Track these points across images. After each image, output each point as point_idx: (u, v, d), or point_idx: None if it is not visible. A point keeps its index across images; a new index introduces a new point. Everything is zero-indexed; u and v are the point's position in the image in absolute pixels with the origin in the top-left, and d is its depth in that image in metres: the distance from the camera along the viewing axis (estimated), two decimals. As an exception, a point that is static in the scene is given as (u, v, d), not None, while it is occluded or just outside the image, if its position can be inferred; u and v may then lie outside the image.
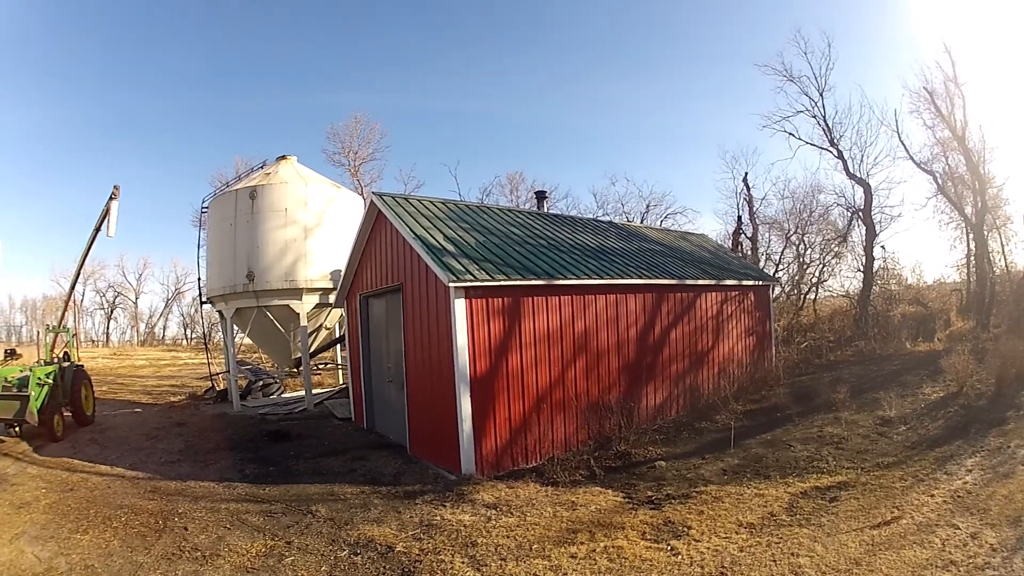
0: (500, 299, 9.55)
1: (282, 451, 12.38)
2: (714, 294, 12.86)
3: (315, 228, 17.33)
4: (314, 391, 18.41)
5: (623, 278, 11.21)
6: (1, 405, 13.97)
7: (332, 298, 16.84)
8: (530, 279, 9.89)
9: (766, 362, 13.76)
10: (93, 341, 74.09)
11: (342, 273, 14.34)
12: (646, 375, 11.46)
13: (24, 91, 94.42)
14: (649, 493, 7.72)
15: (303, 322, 17.26)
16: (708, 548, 5.83)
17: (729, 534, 6.07)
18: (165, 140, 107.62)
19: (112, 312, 78.78)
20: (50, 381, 15.05)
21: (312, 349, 19.09)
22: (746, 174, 29.69)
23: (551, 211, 18.71)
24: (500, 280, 9.48)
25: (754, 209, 28.97)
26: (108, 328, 78.67)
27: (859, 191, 23.64)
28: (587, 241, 13.10)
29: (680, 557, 5.71)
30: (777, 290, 24.16)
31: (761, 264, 26.37)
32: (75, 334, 20.72)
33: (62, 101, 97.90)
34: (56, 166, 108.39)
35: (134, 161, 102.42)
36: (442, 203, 12.24)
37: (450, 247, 10.07)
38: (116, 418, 18.06)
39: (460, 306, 9.06)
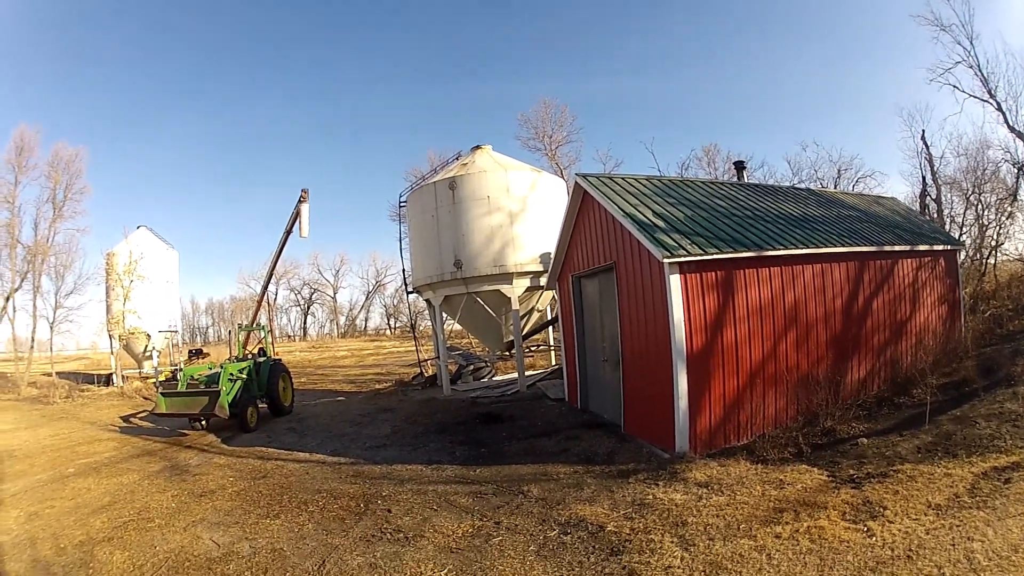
0: (712, 273, 9.47)
1: (494, 433, 12.58)
2: (909, 260, 11.99)
3: (520, 213, 17.73)
4: (526, 373, 18.81)
5: (828, 246, 10.69)
6: (187, 401, 15.11)
7: (543, 281, 17.27)
8: (740, 251, 9.69)
9: (956, 332, 12.65)
10: (289, 336, 79.93)
11: (551, 256, 14.66)
12: (851, 348, 10.91)
13: (209, 96, 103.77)
14: (851, 471, 7.44)
15: (514, 306, 17.72)
16: (899, 530, 5.63)
17: (919, 515, 5.82)
18: (353, 142, 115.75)
19: (309, 308, 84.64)
20: (243, 376, 16.16)
21: (524, 332, 19.56)
22: (923, 132, 27.15)
23: (749, 181, 18.08)
24: (712, 254, 9.39)
25: (935, 169, 26.34)
26: (305, 323, 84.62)
27: (1020, 145, 21.50)
28: (789, 210, 12.57)
29: (874, 539, 5.55)
30: (961, 255, 22.03)
31: (947, 227, 23.83)
32: (270, 330, 22.55)
33: (252, 108, 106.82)
34: (244, 172, 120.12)
35: (325, 164, 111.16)
36: (646, 179, 12.26)
37: (660, 223, 10.10)
38: (316, 407, 19.08)
39: (675, 282, 9.10)
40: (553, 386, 16.62)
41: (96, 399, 23.08)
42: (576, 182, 12.17)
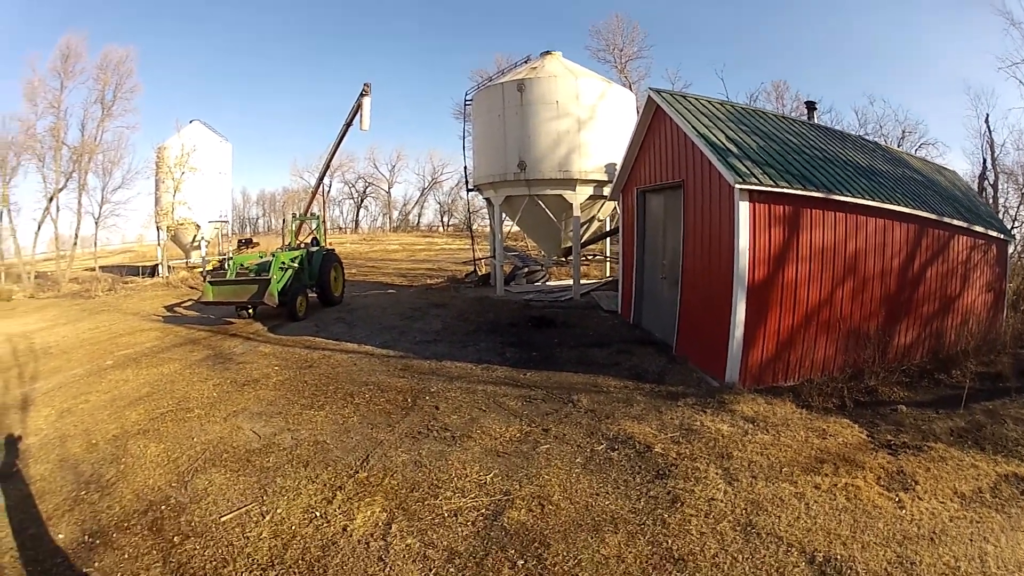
0: (781, 207, 9.16)
1: (545, 338, 12.50)
2: (965, 238, 11.48)
3: (588, 121, 17.48)
4: (581, 282, 18.96)
5: (892, 203, 10.28)
6: (235, 290, 15.05)
7: (606, 191, 17.14)
8: (810, 190, 9.34)
9: (998, 323, 12.26)
10: (341, 228, 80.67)
11: (617, 167, 14.43)
12: (901, 311, 10.63)
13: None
14: (888, 437, 7.30)
15: (575, 212, 17.72)
16: (927, 509, 5.52)
17: (945, 500, 5.69)
18: (418, 39, 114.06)
19: (362, 201, 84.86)
20: (295, 265, 16.15)
21: (582, 240, 19.57)
22: (987, 115, 26.26)
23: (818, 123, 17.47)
24: (783, 187, 9.06)
25: (995, 155, 25.56)
26: (357, 216, 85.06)
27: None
28: (857, 159, 11.97)
29: (904, 511, 5.46)
30: (1011, 247, 21.28)
31: (1000, 216, 23.20)
32: (322, 221, 22.56)
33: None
34: (302, 65, 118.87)
35: (385, 60, 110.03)
36: (719, 103, 11.77)
37: (733, 148, 9.74)
38: (367, 299, 19.13)
39: (744, 209, 8.84)
40: (607, 297, 16.71)
41: (140, 290, 23.30)
42: (649, 96, 11.90)
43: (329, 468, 6.42)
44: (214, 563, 4.78)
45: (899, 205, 10.42)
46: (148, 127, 74.76)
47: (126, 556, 4.87)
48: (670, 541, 4.96)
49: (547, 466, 6.38)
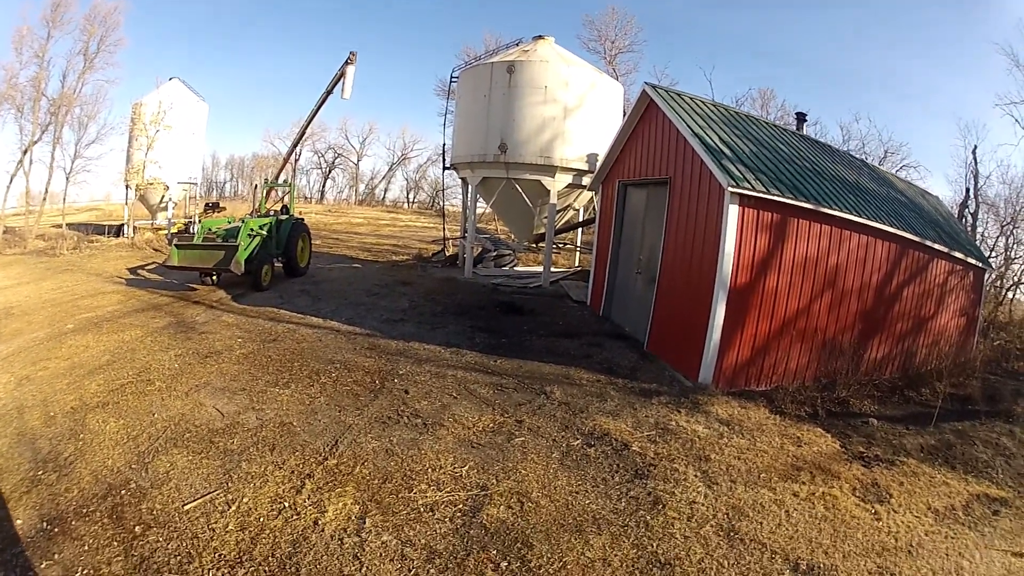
0: (769, 214, 9.17)
1: (515, 324, 12.34)
2: (944, 262, 11.76)
3: (575, 110, 17.30)
4: (551, 269, 18.88)
5: (876, 221, 10.42)
6: (201, 255, 14.60)
7: (586, 180, 17.03)
8: (800, 200, 9.38)
9: (969, 348, 12.59)
10: (307, 198, 79.32)
11: (600, 158, 14.33)
12: (876, 326, 10.81)
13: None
14: (861, 448, 7.40)
15: (553, 199, 17.56)
16: (903, 522, 5.61)
17: (920, 514, 5.80)
18: (403, 12, 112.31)
19: (330, 172, 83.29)
20: (263, 232, 15.80)
21: (556, 228, 19.46)
22: (975, 147, 26.91)
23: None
24: (774, 195, 9.07)
25: (979, 186, 26.00)
26: (324, 187, 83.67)
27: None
28: (844, 174, 12.14)
29: (880, 523, 5.55)
30: (987, 277, 22.11)
31: (979, 245, 23.99)
32: (294, 189, 22.16)
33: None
34: (277, 35, 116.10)
35: (368, 33, 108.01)
36: (713, 105, 11.77)
37: (726, 151, 9.71)
38: (332, 272, 18.72)
39: (733, 212, 8.81)
40: (576, 287, 16.66)
41: (105, 250, 22.57)
42: (644, 90, 11.85)
43: (297, 453, 6.18)
44: (178, 558, 4.49)
45: (883, 224, 10.52)
46: (130, 83, 72.27)
47: (86, 548, 4.56)
48: (655, 544, 4.90)
49: (523, 460, 6.27)
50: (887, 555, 5.01)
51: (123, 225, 28.36)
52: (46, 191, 27.16)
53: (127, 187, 28.93)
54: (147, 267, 18.38)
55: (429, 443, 6.54)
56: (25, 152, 25.37)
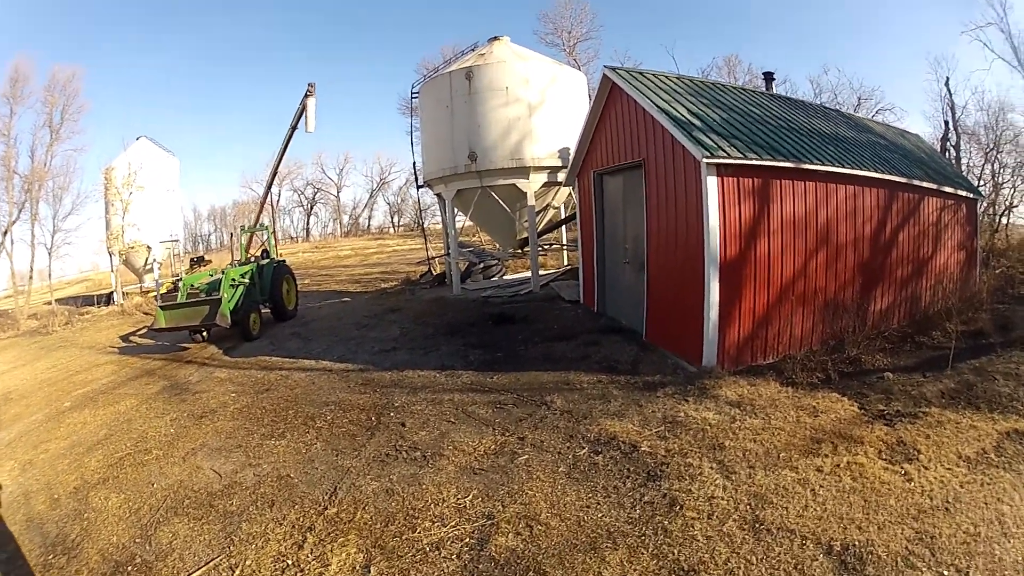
0: (750, 179, 8.89)
1: (508, 335, 12.14)
2: (935, 200, 11.63)
3: (539, 106, 17.10)
4: (539, 272, 18.66)
5: (861, 169, 10.20)
6: (186, 313, 14.45)
7: (561, 176, 16.80)
8: (779, 160, 9.12)
9: (972, 281, 12.35)
10: (292, 237, 79.74)
11: (571, 151, 14.10)
12: (876, 277, 10.60)
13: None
14: (880, 407, 7.14)
15: (530, 201, 17.35)
16: (935, 478, 5.38)
17: (951, 466, 5.58)
18: (359, 38, 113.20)
19: (312, 208, 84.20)
20: (246, 281, 15.66)
21: (538, 229, 19.24)
22: (947, 78, 26.69)
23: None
24: (751, 159, 8.80)
25: (956, 117, 26.06)
26: (308, 224, 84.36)
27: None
28: (821, 127, 11.89)
29: (912, 484, 5.31)
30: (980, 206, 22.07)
31: (966, 175, 23.87)
32: (272, 231, 21.98)
33: (250, 8, 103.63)
34: (245, 75, 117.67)
35: (329, 63, 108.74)
36: (677, 78, 11.50)
37: (696, 122, 9.44)
38: (321, 309, 18.63)
39: (712, 184, 8.54)
40: (567, 287, 16.43)
41: (96, 321, 22.52)
42: (604, 74, 11.58)
43: (296, 506, 5.96)
44: (189, 632, 4.29)
45: (868, 170, 10.30)
46: (97, 147, 73.23)
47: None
48: (676, 551, 4.62)
49: (529, 480, 6.00)
50: (924, 518, 4.78)
51: (112, 293, 28.10)
52: (31, 270, 26.94)
53: (110, 254, 28.80)
54: (138, 332, 18.18)
55: (430, 476, 6.32)
56: (5, 233, 25.27)
